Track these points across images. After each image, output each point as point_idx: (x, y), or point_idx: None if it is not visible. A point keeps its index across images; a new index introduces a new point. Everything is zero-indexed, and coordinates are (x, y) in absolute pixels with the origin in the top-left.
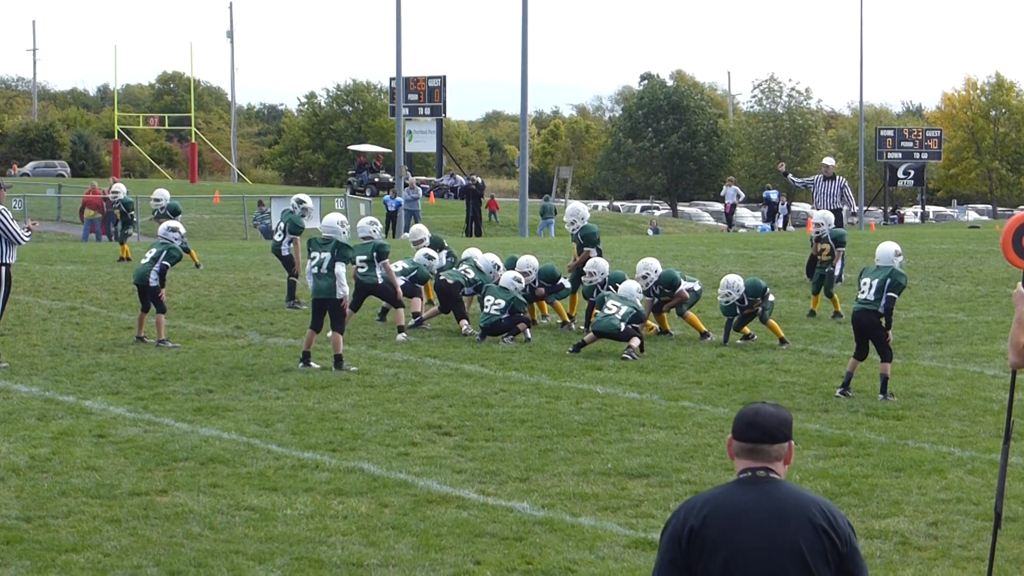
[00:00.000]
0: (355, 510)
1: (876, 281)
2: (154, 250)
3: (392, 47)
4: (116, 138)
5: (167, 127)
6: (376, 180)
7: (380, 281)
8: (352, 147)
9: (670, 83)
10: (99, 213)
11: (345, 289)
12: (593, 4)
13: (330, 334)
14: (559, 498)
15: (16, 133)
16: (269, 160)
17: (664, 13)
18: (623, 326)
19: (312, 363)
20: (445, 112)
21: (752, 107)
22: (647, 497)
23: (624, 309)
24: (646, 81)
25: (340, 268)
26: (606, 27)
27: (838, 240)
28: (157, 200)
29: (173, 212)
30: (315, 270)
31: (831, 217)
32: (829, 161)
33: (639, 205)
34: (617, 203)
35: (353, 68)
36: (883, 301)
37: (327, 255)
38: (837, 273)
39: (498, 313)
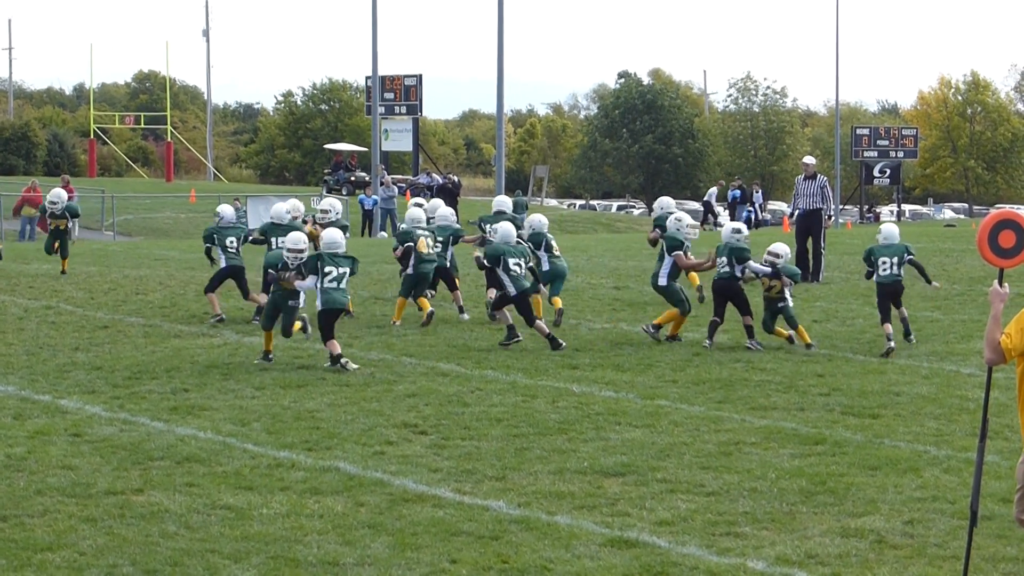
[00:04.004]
0: (331, 509)
1: (896, 257)
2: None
3: (368, 46)
4: (92, 137)
5: (143, 126)
6: (352, 179)
7: (447, 264)
8: (328, 146)
9: (647, 81)
10: (39, 212)
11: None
12: (569, 2)
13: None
14: (535, 497)
15: None
16: (245, 159)
17: (640, 11)
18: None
19: (350, 364)
20: (421, 111)
21: (728, 106)
22: (623, 496)
23: (522, 265)
24: (623, 79)
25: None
26: (582, 25)
27: (793, 276)
28: (53, 203)
29: (72, 214)
30: (334, 284)
31: (788, 251)
32: (809, 160)
33: (615, 204)
34: (593, 202)
35: (329, 67)
36: (900, 272)
37: (346, 270)
38: (790, 304)
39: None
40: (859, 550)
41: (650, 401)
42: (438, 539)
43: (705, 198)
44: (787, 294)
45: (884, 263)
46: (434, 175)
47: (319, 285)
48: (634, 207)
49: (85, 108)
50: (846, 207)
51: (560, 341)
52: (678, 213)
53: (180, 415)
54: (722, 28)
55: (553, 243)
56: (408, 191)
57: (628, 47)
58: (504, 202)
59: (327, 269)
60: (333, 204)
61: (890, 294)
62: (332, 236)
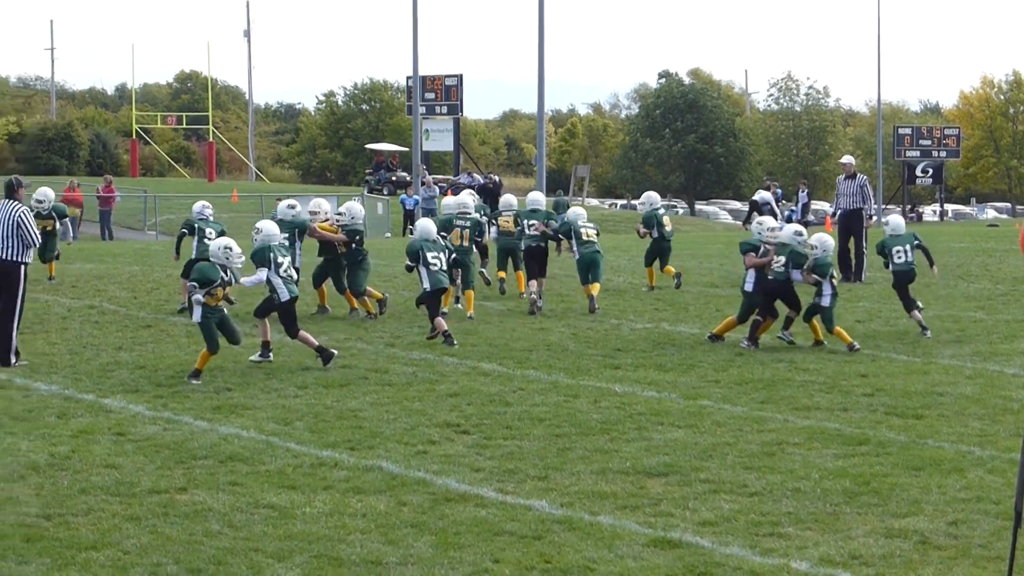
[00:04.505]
0: (373, 508)
1: (907, 245)
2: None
3: (409, 46)
4: (134, 137)
5: (185, 126)
6: (393, 179)
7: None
8: (369, 146)
9: (687, 81)
10: (78, 210)
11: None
12: (610, 2)
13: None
14: (577, 497)
15: (34, 132)
16: (287, 159)
17: (681, 11)
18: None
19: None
20: (462, 111)
21: (769, 105)
22: (666, 496)
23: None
24: (664, 79)
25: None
26: (623, 25)
27: (821, 271)
28: (40, 201)
29: (59, 214)
30: (288, 274)
31: (830, 243)
32: (846, 160)
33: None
34: (635, 201)
35: (370, 67)
36: (912, 258)
37: (290, 257)
38: (826, 304)
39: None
40: (903, 551)
41: (693, 401)
42: (481, 539)
43: (754, 198)
44: (824, 290)
45: (898, 252)
46: (475, 175)
47: (276, 277)
48: (676, 207)
49: (127, 108)
50: (888, 207)
51: (453, 341)
52: (760, 217)
53: (223, 414)
54: (763, 27)
55: (584, 231)
56: (449, 191)
57: (669, 47)
58: (538, 200)
59: (279, 259)
60: (320, 204)
61: (906, 281)
62: (271, 228)
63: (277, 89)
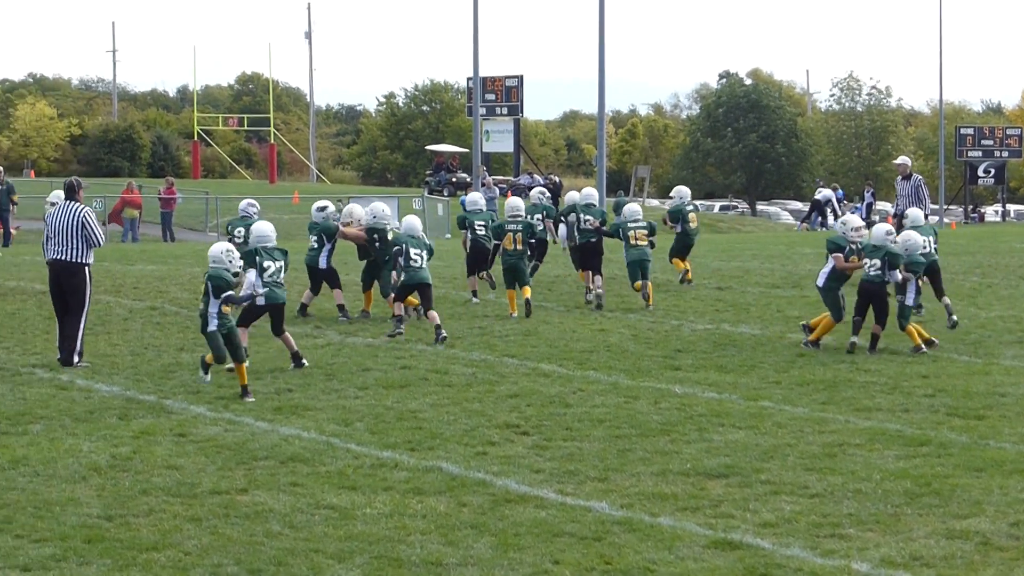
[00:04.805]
0: (434, 509)
1: (930, 236)
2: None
3: (469, 47)
4: (196, 139)
5: (246, 128)
6: (453, 180)
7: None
8: (430, 147)
9: (748, 81)
10: (136, 212)
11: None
12: (670, 2)
13: (281, 334)
14: (638, 498)
15: (96, 134)
16: (347, 160)
17: (742, 11)
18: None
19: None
20: (522, 112)
21: (831, 106)
22: (726, 497)
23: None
24: (725, 80)
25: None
26: (684, 25)
27: (913, 268)
28: (53, 204)
29: None
30: (272, 279)
31: (917, 242)
32: (901, 160)
33: (717, 204)
34: (695, 202)
35: (430, 68)
36: (934, 248)
37: (281, 263)
38: (911, 302)
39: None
40: (964, 552)
41: (753, 402)
42: (541, 540)
43: (816, 196)
44: (910, 288)
45: (924, 242)
46: (535, 176)
47: (258, 279)
48: (736, 207)
49: (189, 110)
50: (950, 207)
51: (443, 334)
52: (845, 216)
53: (284, 415)
54: (825, 28)
55: (632, 232)
56: (509, 191)
57: (730, 47)
58: (593, 195)
59: (265, 264)
60: (352, 211)
61: (930, 271)
62: (262, 228)
63: (338, 91)
